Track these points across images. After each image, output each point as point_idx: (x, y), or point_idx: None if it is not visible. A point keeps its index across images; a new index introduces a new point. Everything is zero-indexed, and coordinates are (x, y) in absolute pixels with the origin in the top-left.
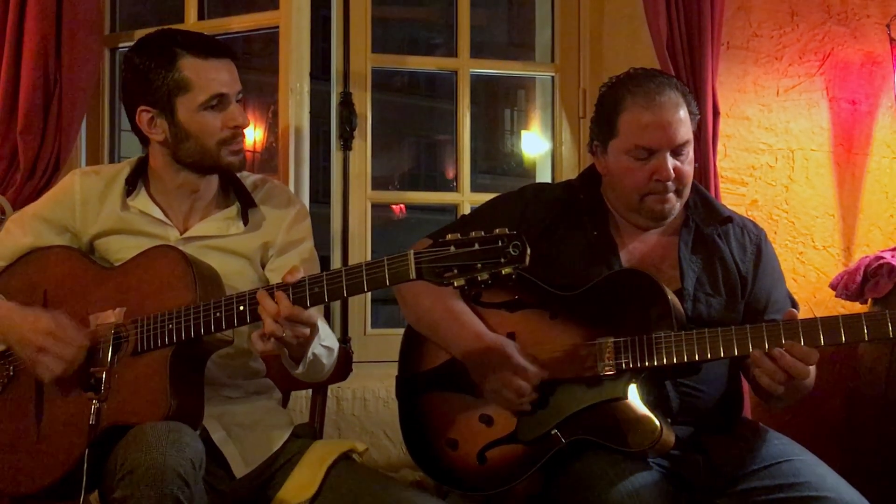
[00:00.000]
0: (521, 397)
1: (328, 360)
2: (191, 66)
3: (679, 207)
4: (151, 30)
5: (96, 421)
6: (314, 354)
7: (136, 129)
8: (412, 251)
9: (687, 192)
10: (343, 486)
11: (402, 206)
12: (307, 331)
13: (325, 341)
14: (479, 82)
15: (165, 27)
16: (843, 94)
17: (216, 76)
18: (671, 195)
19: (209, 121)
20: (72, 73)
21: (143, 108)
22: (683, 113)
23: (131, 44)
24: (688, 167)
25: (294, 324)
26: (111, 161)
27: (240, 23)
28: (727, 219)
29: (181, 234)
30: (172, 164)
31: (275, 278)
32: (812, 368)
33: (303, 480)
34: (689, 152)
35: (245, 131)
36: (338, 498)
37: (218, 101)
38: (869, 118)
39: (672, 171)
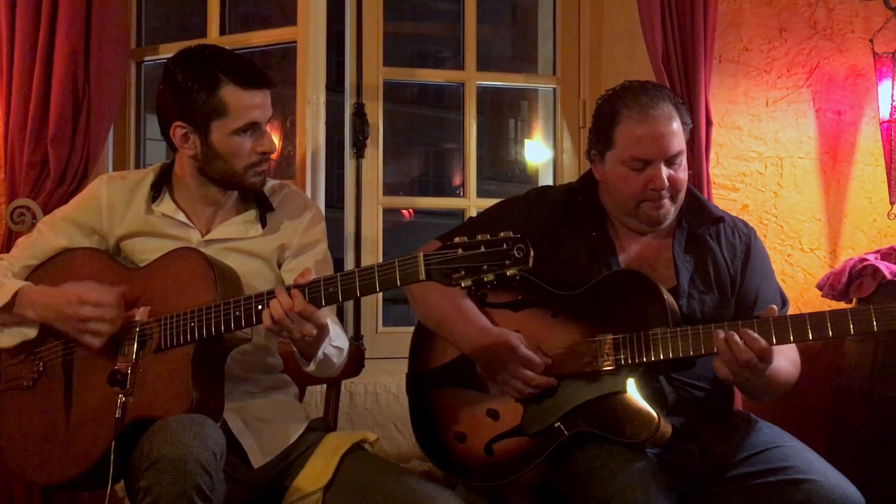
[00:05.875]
0: (529, 386)
1: (338, 360)
2: (231, 94)
3: (674, 212)
4: (176, 45)
5: (122, 414)
6: (324, 354)
7: (167, 138)
8: (422, 254)
9: (681, 197)
10: (355, 475)
11: (411, 210)
12: (314, 330)
13: (336, 342)
14: (484, 94)
15: (205, 44)
16: (829, 105)
17: (252, 104)
18: (666, 201)
19: (240, 145)
20: (99, 85)
21: (178, 123)
22: (676, 125)
23: (157, 58)
24: (682, 174)
25: (303, 320)
26: (136, 168)
27: (259, 38)
28: (718, 219)
29: (203, 237)
30: (198, 176)
31: (290, 279)
32: (780, 361)
33: (317, 469)
34: (683, 161)
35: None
36: (350, 486)
37: (250, 128)
38: (853, 128)
39: (666, 179)
